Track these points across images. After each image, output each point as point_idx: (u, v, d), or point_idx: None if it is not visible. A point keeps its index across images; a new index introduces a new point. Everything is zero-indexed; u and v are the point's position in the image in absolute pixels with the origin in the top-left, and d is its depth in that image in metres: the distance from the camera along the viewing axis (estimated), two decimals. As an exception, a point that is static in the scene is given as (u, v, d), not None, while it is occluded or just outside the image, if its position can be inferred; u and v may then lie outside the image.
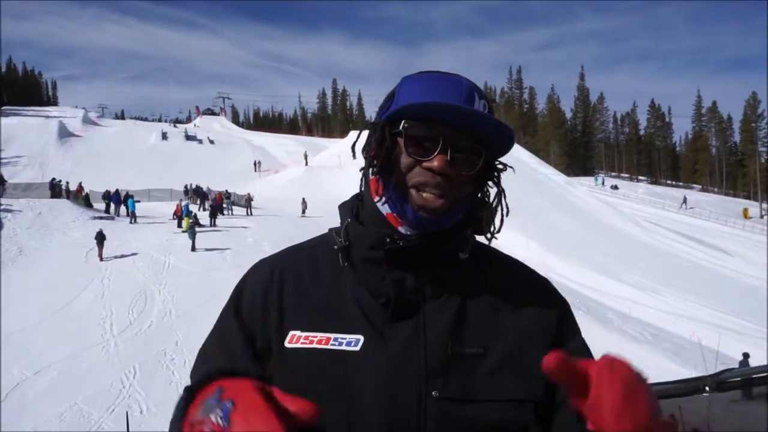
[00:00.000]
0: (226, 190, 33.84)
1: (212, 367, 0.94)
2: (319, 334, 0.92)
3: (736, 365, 9.72)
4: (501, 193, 0.99)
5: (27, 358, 12.60)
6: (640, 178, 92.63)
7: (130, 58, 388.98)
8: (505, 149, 0.95)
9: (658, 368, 12.44)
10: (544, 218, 35.13)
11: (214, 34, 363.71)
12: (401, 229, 0.93)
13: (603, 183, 68.52)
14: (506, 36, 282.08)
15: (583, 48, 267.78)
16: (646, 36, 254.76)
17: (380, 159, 0.93)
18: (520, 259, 1.07)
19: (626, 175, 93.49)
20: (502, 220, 1.00)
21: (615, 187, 65.20)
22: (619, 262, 28.97)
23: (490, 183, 1.00)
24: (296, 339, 0.93)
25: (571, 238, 32.17)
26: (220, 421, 0.62)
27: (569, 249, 29.62)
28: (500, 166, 0.99)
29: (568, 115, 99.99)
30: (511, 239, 29.29)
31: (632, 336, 17.25)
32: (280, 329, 0.95)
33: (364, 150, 0.97)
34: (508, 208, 1.00)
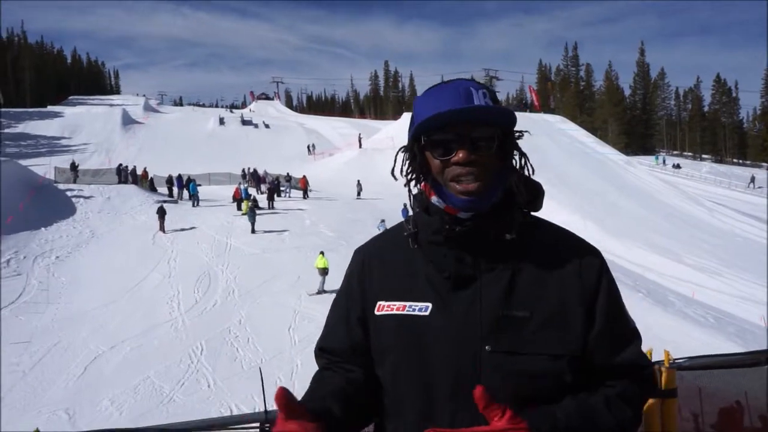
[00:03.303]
0: (288, 173, 34.47)
1: (335, 330, 1.27)
2: (397, 303, 1.17)
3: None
4: (524, 155, 1.19)
5: (103, 334, 13.39)
6: (704, 156, 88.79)
7: (184, 46, 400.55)
8: (510, 122, 1.14)
9: (722, 352, 12.13)
10: (602, 199, 34.37)
11: (265, 20, 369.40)
12: (461, 215, 1.13)
13: (664, 162, 66.13)
14: (560, 11, 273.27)
15: (641, 22, 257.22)
16: (708, 7, 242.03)
17: (416, 172, 1.18)
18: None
19: (689, 154, 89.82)
20: (542, 192, 1.20)
21: (677, 166, 62.84)
22: (681, 244, 28.11)
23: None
24: (382, 308, 1.18)
25: (630, 219, 31.38)
26: None
27: (628, 230, 28.93)
28: (517, 134, 1.18)
29: (627, 92, 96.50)
30: (567, 220, 28.84)
31: (694, 319, 16.81)
32: (372, 299, 1.21)
33: (401, 170, 1.21)
34: (532, 167, 1.21)
